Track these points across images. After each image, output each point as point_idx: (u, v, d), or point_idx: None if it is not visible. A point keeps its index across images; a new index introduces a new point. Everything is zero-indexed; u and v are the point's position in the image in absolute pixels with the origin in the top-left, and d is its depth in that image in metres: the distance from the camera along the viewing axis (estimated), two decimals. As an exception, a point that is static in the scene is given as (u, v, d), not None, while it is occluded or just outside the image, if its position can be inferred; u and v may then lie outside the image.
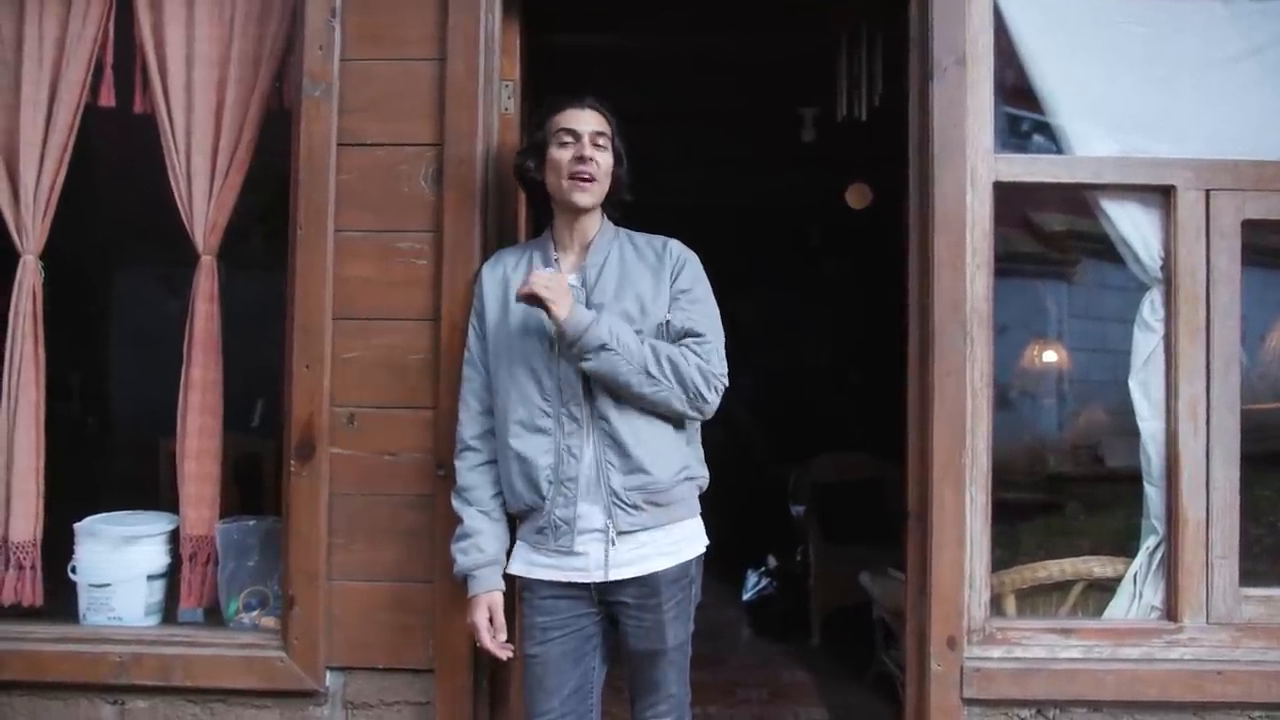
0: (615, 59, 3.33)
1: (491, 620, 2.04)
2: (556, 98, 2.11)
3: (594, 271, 2.07)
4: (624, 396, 1.97)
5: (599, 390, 1.99)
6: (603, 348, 1.92)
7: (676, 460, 2.03)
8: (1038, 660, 2.38)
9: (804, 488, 5.31)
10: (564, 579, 2.02)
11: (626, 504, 1.98)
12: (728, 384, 2.05)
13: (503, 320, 2.08)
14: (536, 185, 2.13)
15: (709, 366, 2.00)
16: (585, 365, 1.94)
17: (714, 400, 2.02)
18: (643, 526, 2.00)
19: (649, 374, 1.94)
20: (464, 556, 2.07)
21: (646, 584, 2.01)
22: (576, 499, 1.99)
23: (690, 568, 2.08)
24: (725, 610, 4.99)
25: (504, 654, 2.06)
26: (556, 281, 1.95)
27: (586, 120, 2.06)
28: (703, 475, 2.12)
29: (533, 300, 1.93)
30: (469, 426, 2.12)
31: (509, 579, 2.09)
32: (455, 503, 2.12)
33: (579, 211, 2.07)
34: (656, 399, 1.97)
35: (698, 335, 2.03)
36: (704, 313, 2.07)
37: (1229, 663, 2.36)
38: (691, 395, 1.98)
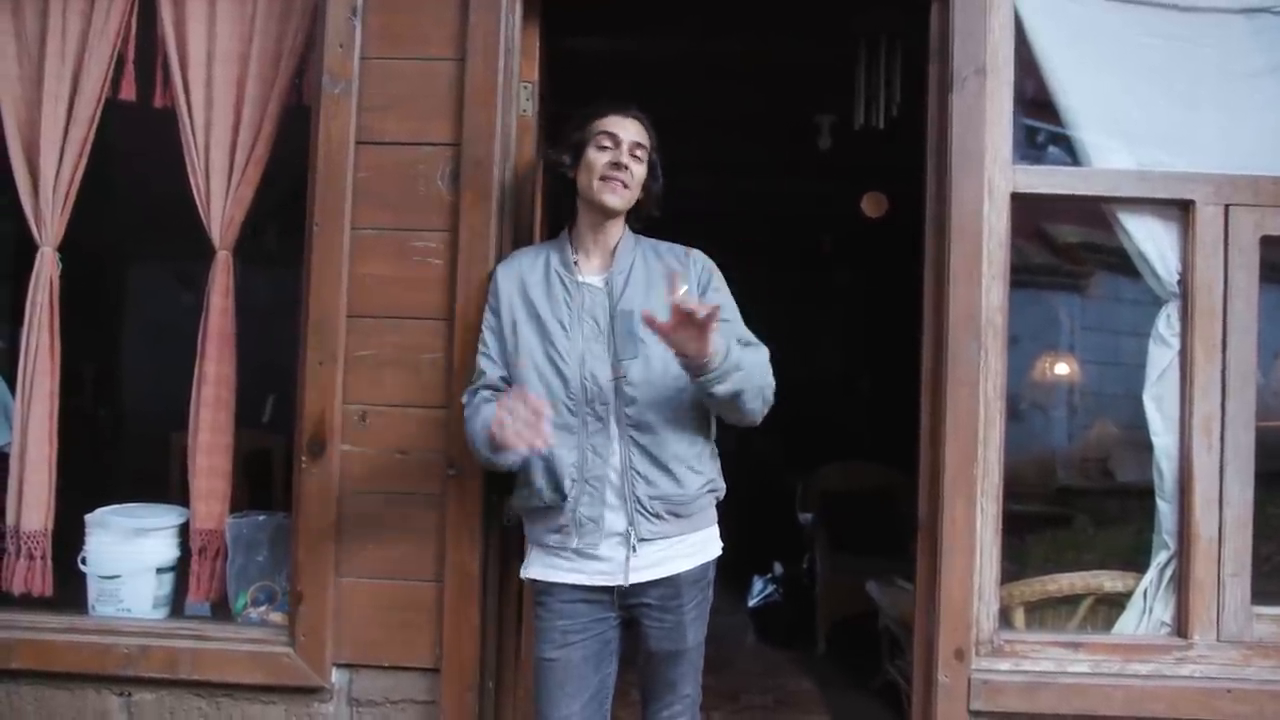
0: (633, 63, 3.33)
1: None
2: (601, 102, 2.11)
3: (620, 278, 2.06)
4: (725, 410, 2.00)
5: (632, 393, 1.98)
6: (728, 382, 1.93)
7: (704, 472, 2.05)
8: (1046, 674, 2.37)
9: (813, 496, 5.31)
10: (587, 582, 2.01)
11: (649, 512, 1.98)
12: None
13: (522, 319, 2.06)
14: (567, 184, 2.12)
15: (770, 378, 2.04)
16: (718, 389, 1.91)
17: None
18: (663, 535, 2.00)
19: (765, 399, 2.00)
20: (487, 405, 1.96)
21: (670, 585, 2.01)
22: (603, 498, 1.99)
23: (709, 569, 2.09)
24: (730, 616, 4.98)
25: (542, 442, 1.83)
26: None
27: (629, 129, 2.06)
28: (722, 487, 2.13)
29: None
30: (487, 380, 2.06)
31: (519, 584, 2.08)
32: (468, 408, 2.03)
33: (605, 214, 2.07)
34: (754, 414, 2.02)
35: (756, 346, 2.06)
36: (741, 325, 2.09)
37: (1239, 681, 2.34)
38: (765, 407, 2.03)
